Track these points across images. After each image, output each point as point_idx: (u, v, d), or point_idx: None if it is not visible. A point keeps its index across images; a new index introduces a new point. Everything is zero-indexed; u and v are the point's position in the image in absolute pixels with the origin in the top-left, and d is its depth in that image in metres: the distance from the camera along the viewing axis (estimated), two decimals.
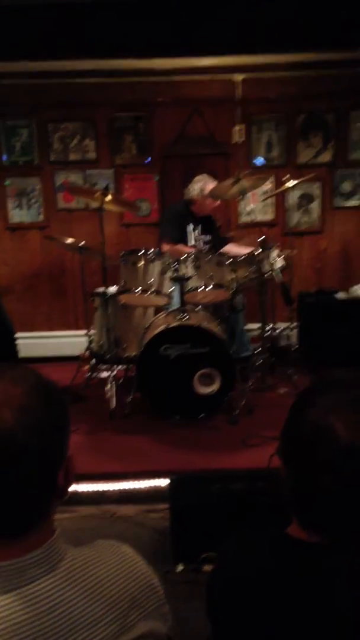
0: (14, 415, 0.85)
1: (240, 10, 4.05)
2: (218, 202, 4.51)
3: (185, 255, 3.88)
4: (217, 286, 3.82)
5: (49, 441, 0.89)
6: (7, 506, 0.86)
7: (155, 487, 3.07)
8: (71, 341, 5.27)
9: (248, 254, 3.94)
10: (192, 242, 4.50)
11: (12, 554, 0.87)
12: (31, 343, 5.18)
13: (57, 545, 0.92)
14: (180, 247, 4.37)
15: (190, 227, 4.52)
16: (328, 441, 0.90)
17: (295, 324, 4.97)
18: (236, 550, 1.03)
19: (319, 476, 0.92)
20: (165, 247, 4.33)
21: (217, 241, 4.68)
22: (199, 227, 4.56)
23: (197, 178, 4.57)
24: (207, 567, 2.45)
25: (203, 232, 4.58)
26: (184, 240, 4.49)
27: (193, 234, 4.53)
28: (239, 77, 5.03)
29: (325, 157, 5.26)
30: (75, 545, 0.97)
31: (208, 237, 4.60)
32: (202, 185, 4.50)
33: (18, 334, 4.38)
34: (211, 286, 3.81)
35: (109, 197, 3.95)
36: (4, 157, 5.29)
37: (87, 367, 4.44)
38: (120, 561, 0.97)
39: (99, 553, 0.96)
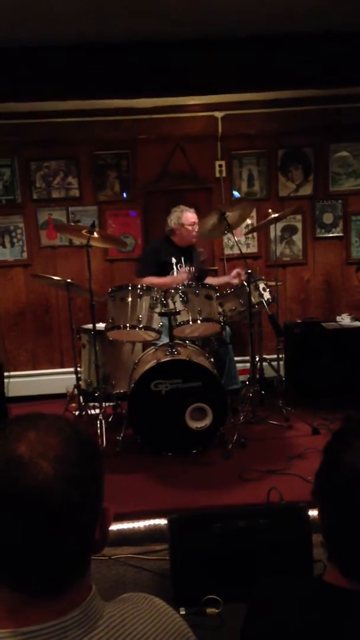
0: (52, 466, 0.81)
1: (220, 50, 4.13)
2: (196, 229, 4.54)
3: (171, 288, 3.90)
4: (206, 320, 3.82)
5: (87, 492, 0.85)
6: (47, 563, 0.81)
7: (152, 527, 2.99)
8: (57, 379, 5.22)
9: (235, 286, 3.99)
10: (176, 274, 4.52)
11: (51, 614, 0.82)
12: (16, 382, 5.10)
13: (95, 602, 0.88)
14: (156, 279, 4.40)
15: (173, 260, 4.56)
16: None
17: (282, 355, 4.98)
18: (272, 599, 1.00)
19: None
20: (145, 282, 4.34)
21: (201, 272, 4.72)
22: (182, 259, 4.61)
23: (174, 209, 4.67)
24: (211, 610, 2.38)
25: (186, 263, 4.63)
26: (162, 274, 4.52)
27: (176, 268, 4.56)
28: (219, 114, 5.12)
29: (306, 190, 5.35)
30: None
31: (192, 268, 4.64)
32: (179, 214, 4.60)
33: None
34: (200, 320, 3.81)
35: (96, 235, 3.95)
36: None
37: (74, 405, 4.38)
38: (156, 616, 0.93)
39: (134, 608, 0.93)
